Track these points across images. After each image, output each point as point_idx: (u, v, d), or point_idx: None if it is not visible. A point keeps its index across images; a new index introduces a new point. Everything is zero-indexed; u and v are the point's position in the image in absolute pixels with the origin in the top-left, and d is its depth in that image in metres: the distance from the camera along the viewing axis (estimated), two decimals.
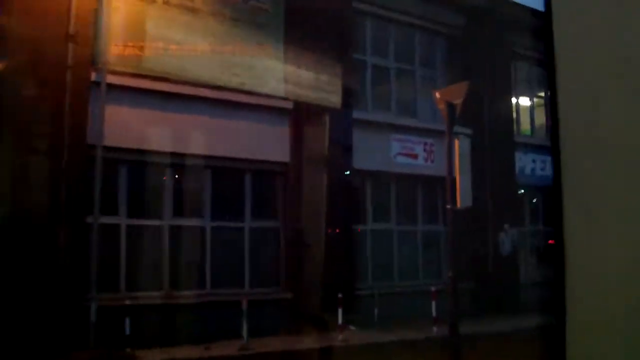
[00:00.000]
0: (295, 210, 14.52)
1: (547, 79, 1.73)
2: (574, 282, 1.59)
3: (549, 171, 18.15)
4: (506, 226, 17.45)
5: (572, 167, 1.62)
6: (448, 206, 13.04)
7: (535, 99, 20.10)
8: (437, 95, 13.23)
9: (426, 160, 16.74)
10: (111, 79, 12.89)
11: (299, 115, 14.78)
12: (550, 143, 1.78)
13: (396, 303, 15.03)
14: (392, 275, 16.01)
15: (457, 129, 16.99)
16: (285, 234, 14.45)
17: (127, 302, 12.24)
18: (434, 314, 14.21)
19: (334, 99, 15.28)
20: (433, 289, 14.51)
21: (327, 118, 15.03)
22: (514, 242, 17.62)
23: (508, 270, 17.43)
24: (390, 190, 16.40)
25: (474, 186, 16.78)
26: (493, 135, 17.73)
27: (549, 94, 1.78)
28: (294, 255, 14.30)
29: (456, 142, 12.90)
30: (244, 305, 12.55)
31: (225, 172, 14.26)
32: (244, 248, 14.07)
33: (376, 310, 14.99)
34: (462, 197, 12.76)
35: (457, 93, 12.84)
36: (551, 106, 1.72)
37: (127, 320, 11.87)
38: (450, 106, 12.63)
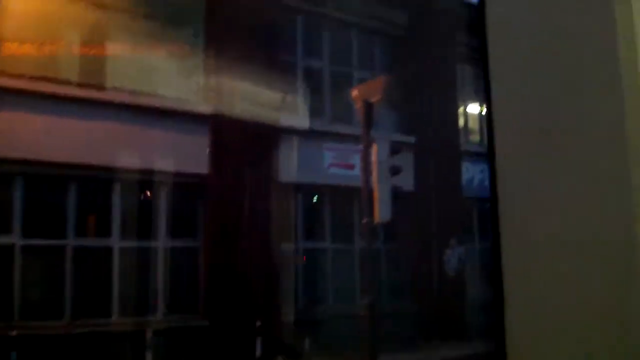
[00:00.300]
0: (216, 228, 13.04)
1: (483, 82, 1.62)
2: (513, 303, 1.45)
3: None
4: (452, 242, 16.15)
5: (508, 177, 1.48)
6: (364, 220, 11.67)
7: (483, 104, 18.89)
8: (354, 93, 11.83)
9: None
10: (3, 81, 11.45)
11: (220, 122, 13.34)
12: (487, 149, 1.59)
13: (331, 329, 13.60)
14: (327, 298, 14.58)
15: (398, 137, 15.81)
16: (205, 254, 12.96)
17: (15, 332, 10.73)
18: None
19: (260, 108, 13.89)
20: (363, 313, 13.13)
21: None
22: (461, 260, 16.32)
23: (454, 290, 16.12)
24: (323, 204, 14.98)
25: (418, 199, 15.57)
26: (438, 143, 16.44)
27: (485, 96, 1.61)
28: (214, 278, 12.81)
29: (374, 147, 11.52)
30: (149, 335, 11.05)
31: (136, 186, 12.77)
32: (156, 270, 12.54)
33: (307, 339, 13.56)
34: (381, 210, 11.38)
35: (375, 90, 11.46)
36: (487, 112, 1.61)
37: (14, 355, 10.39)
38: (368, 105, 11.25)
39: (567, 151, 1.37)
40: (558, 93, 1.40)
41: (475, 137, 18.32)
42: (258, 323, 11.88)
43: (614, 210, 1.29)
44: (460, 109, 17.97)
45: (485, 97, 1.60)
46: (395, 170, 12.51)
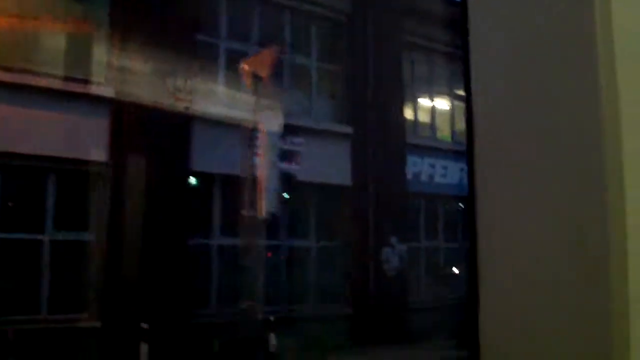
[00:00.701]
0: (115, 220, 11.89)
1: (464, 78, 1.57)
2: (487, 304, 1.46)
3: (451, 178, 15.70)
4: (393, 240, 14.87)
5: (487, 177, 1.48)
6: (244, 212, 10.43)
7: (436, 97, 17.64)
8: (243, 66, 10.61)
9: (289, 162, 14.15)
10: None
11: (123, 106, 12.22)
12: (466, 150, 1.54)
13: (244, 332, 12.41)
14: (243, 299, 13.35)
15: (335, 127, 14.65)
16: (99, 249, 11.81)
17: None
18: (271, 348, 11.56)
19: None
20: (272, 317, 11.91)
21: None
22: (403, 260, 15.04)
23: (394, 292, 14.84)
24: (244, 197, 13.74)
25: (355, 193, 14.38)
26: (379, 135, 15.20)
27: (465, 93, 1.56)
28: (110, 275, 11.65)
29: (262, 130, 10.30)
30: (10, 336, 9.92)
31: (22, 173, 11.70)
32: (41, 266, 11.41)
33: (217, 342, 12.36)
34: (268, 201, 10.12)
35: (264, 63, 10.24)
36: (466, 111, 1.56)
37: None
38: (256, 78, 10.04)
39: (545, 150, 1.38)
40: (537, 91, 1.40)
41: (425, 131, 17.05)
42: (145, 326, 10.66)
43: (589, 209, 1.28)
44: (410, 102, 16.69)
45: (465, 94, 1.56)
46: (287, 156, 11.27)
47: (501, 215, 1.44)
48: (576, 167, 1.30)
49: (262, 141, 10.71)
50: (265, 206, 10.32)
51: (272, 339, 11.34)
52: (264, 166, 10.62)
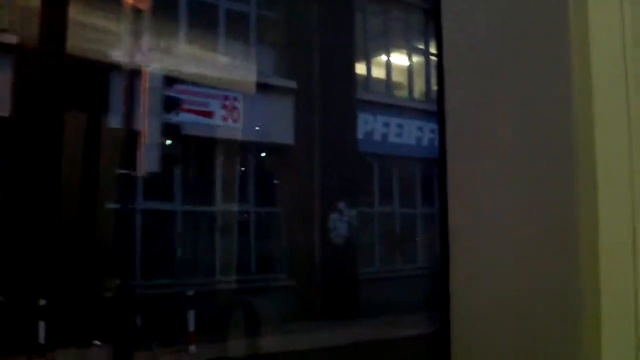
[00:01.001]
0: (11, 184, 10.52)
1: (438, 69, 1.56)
2: (457, 277, 1.46)
3: (407, 137, 14.40)
4: (341, 206, 13.58)
5: (457, 161, 1.47)
6: (121, 171, 9.03)
7: (393, 51, 16.26)
8: None
9: (226, 119, 12.78)
10: None
11: (30, 54, 10.78)
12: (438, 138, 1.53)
13: (170, 307, 11.09)
14: (174, 271, 12.05)
15: (278, 81, 13.27)
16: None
17: None
18: (190, 327, 10.25)
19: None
20: (191, 292, 10.61)
21: None
22: (352, 227, 13.76)
23: (342, 262, 13.57)
24: (172, 158, 12.34)
25: (298, 155, 13.06)
26: (326, 90, 13.82)
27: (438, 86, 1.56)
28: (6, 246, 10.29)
29: (144, 73, 8.88)
30: None
31: None
32: None
33: (139, 319, 11.05)
34: (147, 157, 8.73)
35: None
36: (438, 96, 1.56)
37: None
38: (134, 12, 8.61)
39: (517, 112, 1.35)
40: (510, 53, 1.37)
41: (379, 87, 15.68)
42: (42, 302, 9.34)
43: (559, 173, 1.27)
44: (362, 55, 15.29)
45: (437, 54, 1.54)
46: (170, 104, 9.87)
47: (472, 180, 1.42)
48: (546, 131, 1.29)
49: (144, 88, 9.25)
50: (144, 163, 8.90)
51: (191, 316, 10.05)
52: (145, 117, 9.16)
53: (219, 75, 12.70)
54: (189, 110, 12.36)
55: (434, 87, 16.20)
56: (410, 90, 16.20)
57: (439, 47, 1.52)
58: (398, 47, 16.28)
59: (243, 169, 13.11)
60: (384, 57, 15.96)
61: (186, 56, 12.31)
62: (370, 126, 14.77)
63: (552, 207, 1.27)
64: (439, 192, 1.50)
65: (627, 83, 1.33)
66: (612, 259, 1.26)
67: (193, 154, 12.59)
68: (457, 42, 1.47)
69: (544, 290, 1.27)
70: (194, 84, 12.36)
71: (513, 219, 1.34)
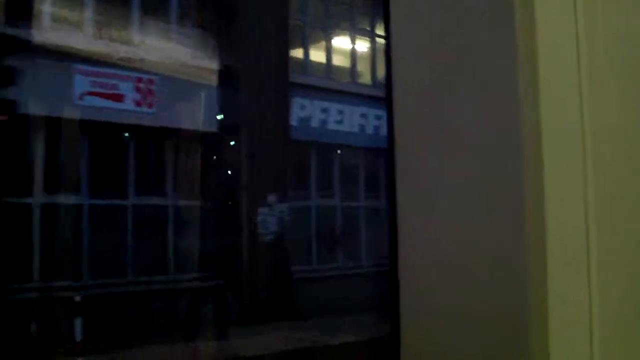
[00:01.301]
0: None
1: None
2: (406, 274, 1.47)
3: (349, 125, 13.25)
4: (271, 199, 12.38)
5: (406, 128, 1.47)
6: None
7: (333, 32, 15.08)
8: None
9: (139, 104, 11.55)
10: None
11: None
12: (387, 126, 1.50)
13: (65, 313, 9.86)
14: (80, 270, 10.81)
15: (202, 62, 12.10)
16: None
17: None
18: (78, 336, 9.01)
19: None
20: (77, 298, 9.41)
21: None
22: (284, 222, 12.58)
23: (273, 261, 12.36)
24: (78, 147, 11.11)
25: (222, 143, 11.88)
26: (256, 73, 12.62)
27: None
28: None
29: None
30: None
31: None
32: None
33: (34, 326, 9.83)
34: None
35: None
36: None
37: None
38: None
39: (466, 99, 1.35)
40: (458, 39, 1.37)
41: (318, 70, 14.50)
42: None
43: (507, 161, 1.27)
44: (298, 36, 14.09)
45: (385, 37, 1.53)
46: None
47: (421, 169, 1.41)
48: (496, 115, 1.30)
49: None
50: None
51: (78, 325, 8.84)
52: None
53: (131, 56, 11.49)
54: (93, 93, 11.15)
55: (381, 72, 15.08)
56: (354, 75, 15.03)
57: (387, 31, 1.51)
58: (341, 29, 15.11)
59: (160, 158, 11.89)
60: (324, 39, 14.76)
61: (89, 31, 11.10)
62: (306, 112, 13.58)
63: (501, 197, 1.28)
64: (388, 182, 1.45)
65: (579, 65, 1.32)
66: (560, 249, 1.25)
67: (99, 140, 11.33)
68: (404, 30, 1.47)
69: (494, 286, 1.27)
70: (101, 63, 11.15)
71: (464, 209, 1.34)
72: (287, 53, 13.37)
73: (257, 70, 12.58)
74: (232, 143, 12.21)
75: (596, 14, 1.36)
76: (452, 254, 1.34)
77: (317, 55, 14.55)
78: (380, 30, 15.42)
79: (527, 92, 1.25)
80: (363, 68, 15.31)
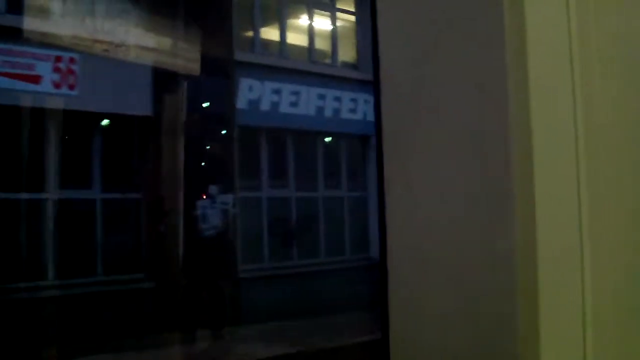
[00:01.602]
0: None
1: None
2: (395, 271, 1.39)
3: (304, 107, 12.06)
4: (213, 190, 11.11)
5: (394, 113, 1.41)
6: None
7: (292, 7, 13.81)
8: None
9: (59, 85, 10.31)
10: None
11: None
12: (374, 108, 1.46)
13: None
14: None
15: (131, 38, 10.89)
16: None
17: None
18: None
19: None
20: None
21: None
22: (228, 215, 11.32)
23: (216, 258, 11.09)
24: None
25: (158, 129, 10.69)
26: (195, 50, 11.34)
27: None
28: None
29: None
30: None
31: None
32: None
33: None
34: None
35: None
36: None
37: None
38: None
39: (455, 86, 1.31)
40: (447, 22, 1.33)
41: (270, 47, 13.25)
42: None
43: (495, 149, 1.24)
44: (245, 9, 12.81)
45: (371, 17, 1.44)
46: None
47: (408, 157, 1.37)
48: (485, 100, 1.27)
49: None
50: None
51: None
52: None
53: (48, 32, 10.24)
54: (11, 75, 9.94)
55: (343, 50, 13.86)
56: (311, 53, 13.76)
57: (373, 11, 1.43)
58: (297, 3, 13.85)
59: (85, 146, 10.66)
60: (277, 14, 13.48)
61: None
62: (255, 94, 12.31)
63: (490, 194, 1.23)
64: (378, 174, 1.40)
65: (571, 62, 1.28)
66: (552, 249, 1.21)
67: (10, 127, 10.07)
68: (391, 11, 1.40)
69: (483, 287, 1.23)
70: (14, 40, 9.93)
71: (452, 205, 1.29)
72: (230, 29, 12.07)
73: (196, 47, 11.30)
74: (168, 128, 10.95)
75: (589, 11, 1.32)
76: (440, 254, 1.30)
77: (269, 32, 13.30)
78: (343, 5, 14.21)
79: (516, 88, 1.21)
80: (323, 46, 14.05)
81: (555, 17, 1.29)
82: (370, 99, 13.70)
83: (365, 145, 13.60)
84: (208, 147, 11.19)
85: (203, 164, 11.13)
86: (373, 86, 1.44)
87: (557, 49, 1.28)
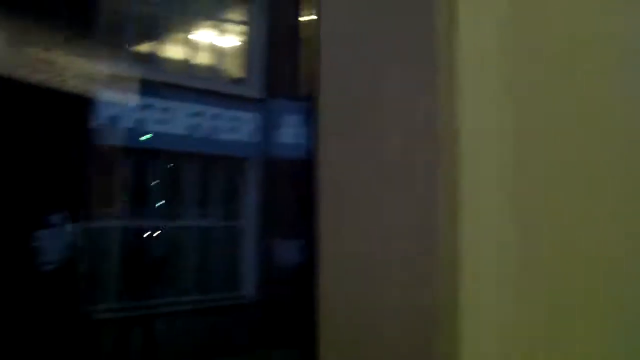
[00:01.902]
0: None
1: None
2: (326, 268, 1.38)
3: (175, 125, 10.78)
4: (56, 219, 9.72)
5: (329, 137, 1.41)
6: None
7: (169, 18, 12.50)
8: None
9: None
10: None
11: None
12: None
13: None
14: None
15: None
16: None
17: None
18: None
19: None
20: None
21: None
22: (74, 247, 9.93)
23: (60, 297, 9.68)
24: None
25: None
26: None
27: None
28: None
29: None
30: None
31: None
32: None
33: None
34: None
35: None
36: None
37: None
38: None
39: (387, 113, 1.32)
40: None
41: (145, 61, 11.91)
42: None
43: (422, 155, 1.24)
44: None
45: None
46: None
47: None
48: (416, 104, 1.27)
49: None
50: None
51: None
52: None
53: None
54: None
55: (232, 64, 12.67)
56: (188, 65, 12.48)
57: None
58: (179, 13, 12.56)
59: None
60: (154, 25, 12.15)
61: None
62: (116, 111, 10.93)
63: (415, 190, 1.24)
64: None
65: (503, 53, 1.30)
66: (475, 249, 1.23)
67: None
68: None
69: (404, 283, 1.25)
70: None
71: (379, 200, 1.29)
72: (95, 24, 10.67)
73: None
74: (3, 149, 9.50)
75: (523, 2, 1.34)
76: (367, 249, 1.31)
77: (144, 45, 11.97)
78: (234, 16, 13.03)
79: (445, 80, 1.21)
80: (208, 60, 12.80)
81: (488, 26, 1.28)
82: (255, 117, 12.56)
83: (244, 168, 12.43)
84: (54, 170, 9.76)
85: (47, 189, 9.70)
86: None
87: (489, 51, 1.27)
